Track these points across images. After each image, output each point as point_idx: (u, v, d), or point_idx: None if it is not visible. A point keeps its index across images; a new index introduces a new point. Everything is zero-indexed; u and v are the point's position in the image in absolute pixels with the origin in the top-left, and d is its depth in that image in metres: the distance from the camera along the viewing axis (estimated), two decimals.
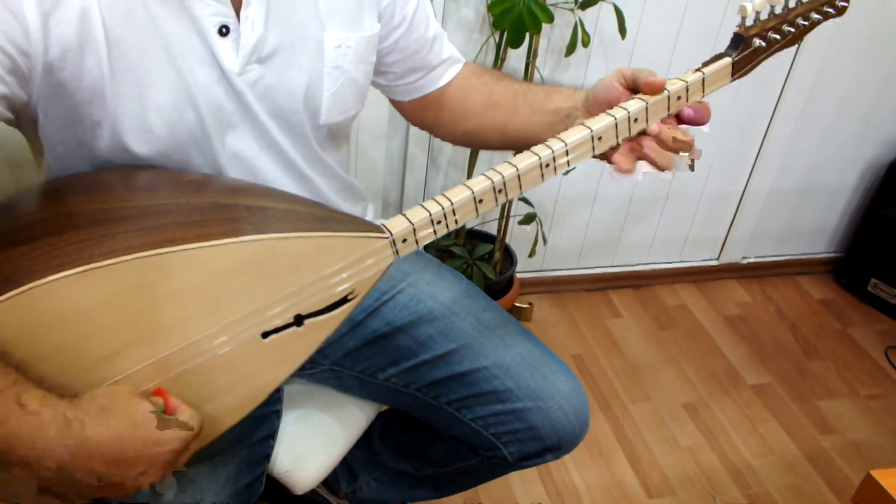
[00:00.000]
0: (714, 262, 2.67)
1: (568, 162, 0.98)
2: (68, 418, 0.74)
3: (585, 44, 1.86)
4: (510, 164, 0.96)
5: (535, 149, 0.97)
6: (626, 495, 1.88)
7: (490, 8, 1.72)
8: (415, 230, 0.94)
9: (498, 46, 1.89)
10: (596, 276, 2.56)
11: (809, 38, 2.21)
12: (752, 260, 2.70)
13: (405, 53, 1.15)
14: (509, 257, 2.28)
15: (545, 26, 1.76)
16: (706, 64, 1.02)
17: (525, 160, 0.96)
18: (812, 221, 2.68)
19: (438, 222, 0.94)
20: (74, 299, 0.79)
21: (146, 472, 0.80)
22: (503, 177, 0.95)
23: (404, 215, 0.94)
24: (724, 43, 2.21)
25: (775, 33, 1.02)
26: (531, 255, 2.31)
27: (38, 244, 0.82)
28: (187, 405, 0.86)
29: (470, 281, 1.29)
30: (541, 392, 1.16)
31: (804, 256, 2.75)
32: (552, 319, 2.42)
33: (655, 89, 0.97)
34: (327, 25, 1.02)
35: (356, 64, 1.06)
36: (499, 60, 1.90)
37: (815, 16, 1.05)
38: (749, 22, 1.01)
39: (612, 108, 0.99)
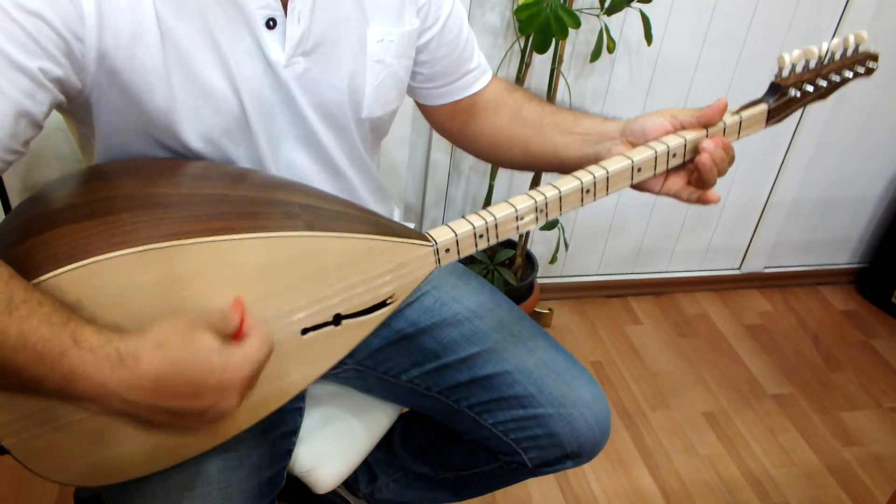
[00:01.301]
0: (736, 271, 2.66)
1: (607, 189, 1.03)
2: (121, 354, 0.73)
3: (611, 50, 1.86)
4: (553, 185, 1.00)
5: (577, 173, 1.01)
6: (644, 502, 1.87)
7: (516, 13, 1.73)
8: (458, 241, 0.97)
9: (523, 52, 1.89)
10: (616, 282, 2.55)
11: None
12: (775, 269, 2.69)
13: (435, 55, 1.15)
14: (530, 263, 2.28)
15: (571, 32, 1.76)
16: (744, 108, 1.08)
17: (568, 184, 1.00)
18: (836, 231, 2.66)
19: (481, 236, 0.98)
20: (130, 278, 0.79)
21: (221, 400, 0.78)
22: (545, 197, 0.99)
23: (449, 226, 0.97)
24: (749, 51, 2.22)
25: (809, 85, 1.08)
26: (552, 261, 2.31)
27: (97, 222, 0.82)
28: (260, 325, 0.84)
29: (494, 286, 1.30)
30: (563, 399, 1.16)
31: (827, 267, 2.73)
32: (572, 326, 2.42)
33: (723, 109, 1.04)
34: (371, 20, 1.03)
35: (398, 58, 1.08)
36: (524, 66, 1.90)
37: (847, 73, 1.11)
38: (785, 73, 1.07)
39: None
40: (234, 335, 0.83)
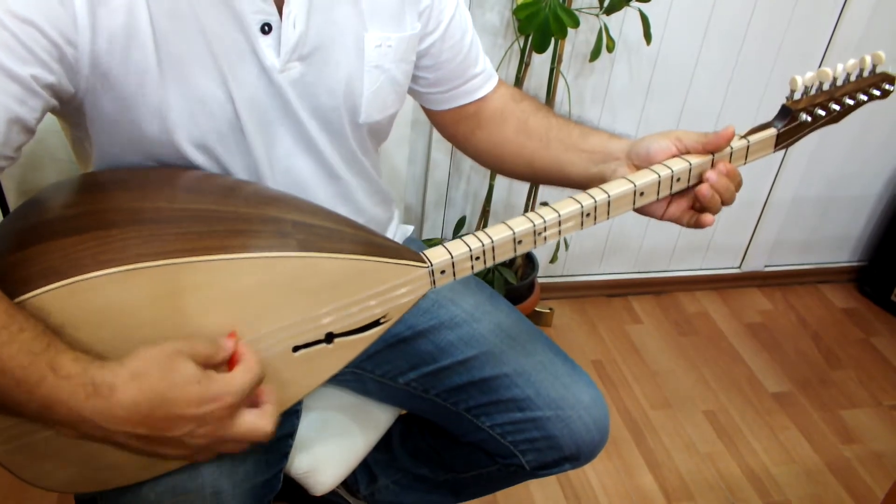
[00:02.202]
0: (736, 270, 2.66)
1: (608, 213, 1.00)
2: (97, 383, 0.74)
3: (610, 49, 1.87)
4: (552, 209, 0.97)
5: (577, 196, 0.99)
6: (645, 501, 1.87)
7: (516, 12, 1.73)
8: (454, 263, 0.95)
9: (522, 51, 1.89)
10: (617, 281, 2.55)
11: (837, 43, 2.21)
12: (775, 268, 2.69)
13: (438, 59, 1.14)
14: (531, 262, 2.28)
15: (570, 31, 1.76)
16: (751, 132, 1.04)
17: (567, 207, 0.98)
18: (836, 230, 2.66)
19: (477, 258, 0.96)
20: (118, 296, 0.79)
21: (200, 429, 0.78)
22: (545, 221, 0.97)
23: (445, 247, 0.95)
24: (748, 50, 2.21)
25: (821, 109, 1.05)
26: (553, 260, 2.31)
27: (86, 237, 0.82)
28: (251, 354, 0.84)
29: (492, 288, 1.29)
30: (561, 402, 1.16)
31: (827, 265, 2.74)
32: (572, 325, 2.42)
33: (728, 138, 1.01)
34: (369, 25, 1.02)
35: (396, 63, 1.07)
36: (523, 66, 1.90)
37: (861, 96, 1.07)
38: (797, 95, 1.03)
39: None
40: (229, 363, 0.83)
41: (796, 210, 2.55)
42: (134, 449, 0.78)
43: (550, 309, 2.39)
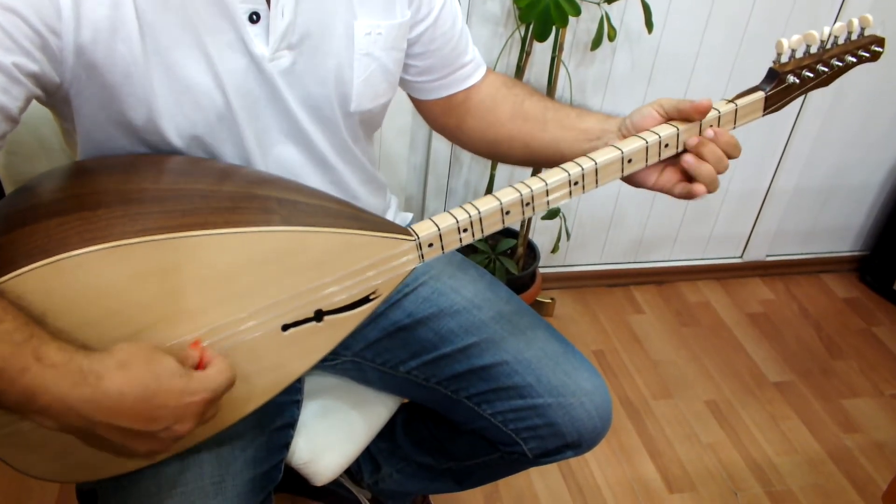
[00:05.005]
0: (738, 260, 2.66)
1: (597, 181, 1.00)
2: (84, 372, 0.73)
3: (611, 38, 1.86)
4: (540, 178, 0.97)
5: (565, 165, 0.99)
6: (647, 491, 1.88)
7: (516, 1, 1.72)
8: (441, 236, 0.95)
9: (523, 40, 1.89)
10: (619, 271, 2.55)
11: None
12: (776, 258, 2.69)
13: (429, 47, 1.14)
14: (532, 252, 2.28)
15: (571, 20, 1.75)
16: (739, 96, 1.04)
17: (555, 176, 0.98)
18: (837, 219, 2.66)
19: (465, 230, 0.96)
20: (103, 274, 0.79)
21: (176, 425, 0.78)
22: (532, 190, 0.97)
23: (432, 220, 0.95)
24: (750, 38, 2.20)
25: (809, 72, 1.04)
26: (554, 250, 2.31)
27: (72, 217, 0.82)
28: (221, 357, 0.84)
29: (492, 275, 1.29)
30: (562, 388, 1.16)
31: (829, 255, 2.73)
32: (574, 315, 2.42)
33: (702, 111, 0.99)
34: (359, 13, 1.02)
35: (387, 51, 1.06)
36: (524, 54, 1.90)
37: (850, 58, 1.07)
38: (784, 58, 1.03)
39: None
40: (196, 368, 0.83)
41: (798, 199, 2.54)
42: (111, 442, 0.78)
43: (552, 299, 2.39)
